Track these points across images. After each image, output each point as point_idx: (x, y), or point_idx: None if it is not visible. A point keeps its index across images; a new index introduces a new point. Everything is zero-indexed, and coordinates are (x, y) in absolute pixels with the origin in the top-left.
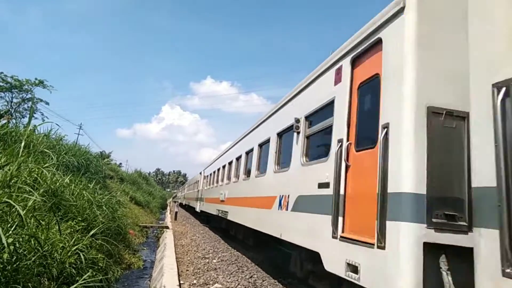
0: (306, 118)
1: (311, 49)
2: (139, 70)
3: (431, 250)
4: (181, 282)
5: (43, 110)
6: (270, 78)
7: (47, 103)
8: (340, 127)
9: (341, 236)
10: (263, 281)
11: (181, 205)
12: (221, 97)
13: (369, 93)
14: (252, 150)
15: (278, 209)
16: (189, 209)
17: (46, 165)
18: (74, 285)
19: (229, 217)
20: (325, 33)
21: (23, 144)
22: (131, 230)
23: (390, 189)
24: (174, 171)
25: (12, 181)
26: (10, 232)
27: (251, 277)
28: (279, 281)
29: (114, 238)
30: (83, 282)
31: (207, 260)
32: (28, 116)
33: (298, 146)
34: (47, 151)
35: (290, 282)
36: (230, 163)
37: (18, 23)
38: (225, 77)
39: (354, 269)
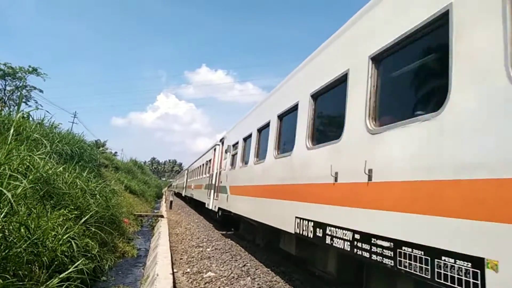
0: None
1: (306, 39)
2: (133, 58)
3: None
4: (175, 270)
5: (37, 98)
6: (266, 67)
7: (41, 91)
8: None
9: None
10: (256, 269)
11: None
12: (216, 86)
13: None
14: None
15: None
16: (184, 198)
17: (38, 153)
18: (66, 272)
19: None
20: (319, 22)
21: (12, 130)
22: (126, 219)
23: None
24: (169, 160)
25: (1, 168)
26: None
27: (244, 265)
28: (272, 269)
29: (108, 227)
30: (74, 270)
31: (201, 249)
32: (23, 104)
33: None
34: (39, 137)
35: (283, 270)
36: None
37: (11, 8)
38: (221, 66)
39: None
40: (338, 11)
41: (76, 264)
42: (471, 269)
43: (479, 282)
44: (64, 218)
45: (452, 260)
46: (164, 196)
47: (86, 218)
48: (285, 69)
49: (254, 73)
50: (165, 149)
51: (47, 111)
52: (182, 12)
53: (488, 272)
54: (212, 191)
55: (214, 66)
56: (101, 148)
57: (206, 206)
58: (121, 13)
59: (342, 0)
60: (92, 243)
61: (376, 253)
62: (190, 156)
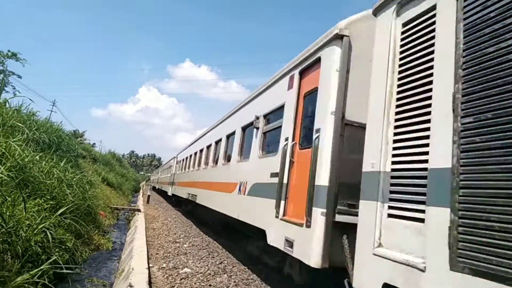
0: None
1: (292, 39)
2: (115, 49)
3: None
4: (150, 265)
5: (15, 84)
6: (252, 66)
7: (20, 77)
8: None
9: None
10: (233, 267)
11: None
12: (199, 82)
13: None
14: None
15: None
16: (162, 193)
17: (15, 139)
18: (42, 266)
19: None
20: (306, 22)
21: None
22: (102, 211)
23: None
24: (148, 154)
25: None
26: None
27: (221, 262)
28: (249, 267)
29: (84, 219)
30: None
31: (178, 245)
32: None
33: None
34: (18, 123)
35: (260, 269)
36: None
37: None
38: (205, 62)
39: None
40: (328, 13)
41: (50, 260)
42: None
43: None
44: (40, 207)
45: None
46: (141, 190)
47: (63, 210)
48: (271, 68)
49: (239, 71)
50: (144, 143)
51: (30, 99)
52: (167, 4)
53: None
54: None
55: (198, 61)
56: (79, 139)
57: None
58: (105, 3)
59: (333, 3)
60: (67, 234)
61: None
62: (170, 151)
